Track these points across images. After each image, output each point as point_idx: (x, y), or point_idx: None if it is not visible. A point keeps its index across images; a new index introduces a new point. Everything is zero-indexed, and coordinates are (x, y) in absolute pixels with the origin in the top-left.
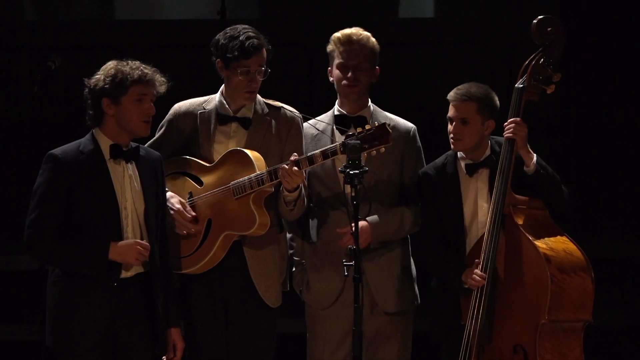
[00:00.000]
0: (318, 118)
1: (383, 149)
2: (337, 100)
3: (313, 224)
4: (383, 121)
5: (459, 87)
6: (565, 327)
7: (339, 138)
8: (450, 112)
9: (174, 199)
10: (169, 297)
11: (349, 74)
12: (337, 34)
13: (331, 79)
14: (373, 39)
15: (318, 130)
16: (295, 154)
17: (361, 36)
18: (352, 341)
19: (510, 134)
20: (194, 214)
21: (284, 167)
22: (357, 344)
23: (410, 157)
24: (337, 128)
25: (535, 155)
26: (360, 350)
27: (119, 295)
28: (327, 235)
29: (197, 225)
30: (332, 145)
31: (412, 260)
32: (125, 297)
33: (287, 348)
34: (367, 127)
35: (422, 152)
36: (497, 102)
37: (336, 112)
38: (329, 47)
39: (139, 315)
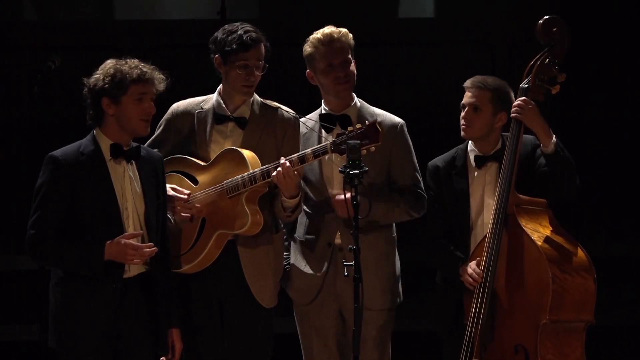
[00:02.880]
0: (307, 116)
1: (373, 148)
2: (322, 100)
3: (301, 220)
4: (370, 117)
5: (477, 75)
6: (566, 327)
7: (326, 136)
8: (464, 99)
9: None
10: (170, 298)
11: (340, 72)
12: (317, 35)
13: (313, 81)
14: (350, 34)
15: (307, 128)
16: (283, 157)
17: (341, 33)
18: (352, 341)
19: (515, 114)
20: (187, 192)
21: (279, 170)
22: (356, 344)
23: (398, 152)
24: (321, 125)
25: (554, 135)
26: (359, 351)
27: (121, 295)
28: (311, 232)
29: (192, 223)
30: (322, 145)
31: (397, 258)
32: (128, 298)
33: (284, 348)
34: (358, 126)
35: (412, 146)
36: (513, 98)
37: (322, 111)
38: (308, 50)
39: (141, 316)
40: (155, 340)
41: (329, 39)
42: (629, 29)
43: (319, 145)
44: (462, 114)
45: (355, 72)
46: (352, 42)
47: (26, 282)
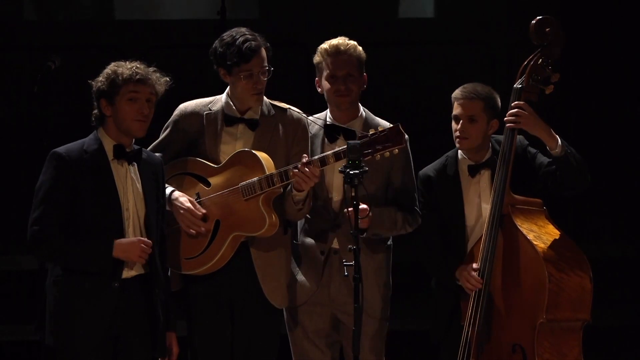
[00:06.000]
0: (316, 116)
1: (396, 150)
2: (327, 109)
3: (300, 227)
4: (375, 128)
5: (464, 86)
6: (563, 327)
7: (328, 146)
8: (457, 111)
9: (182, 198)
10: (168, 301)
11: (341, 85)
12: (324, 45)
13: (319, 89)
14: (359, 48)
15: (310, 132)
16: (305, 155)
17: (348, 46)
18: (352, 342)
19: (512, 123)
20: (204, 211)
21: (300, 169)
22: (356, 344)
23: (399, 166)
24: (326, 134)
25: (558, 137)
26: (359, 351)
27: (119, 296)
28: (308, 235)
29: (206, 225)
30: (344, 147)
31: (390, 269)
32: (126, 299)
33: (286, 348)
34: (380, 128)
35: (412, 161)
36: (500, 103)
37: (328, 121)
38: (316, 59)
39: (139, 317)
40: (153, 343)
41: (334, 51)
42: (629, 29)
43: (340, 148)
44: (457, 126)
45: (362, 87)
46: (361, 55)
47: (26, 282)
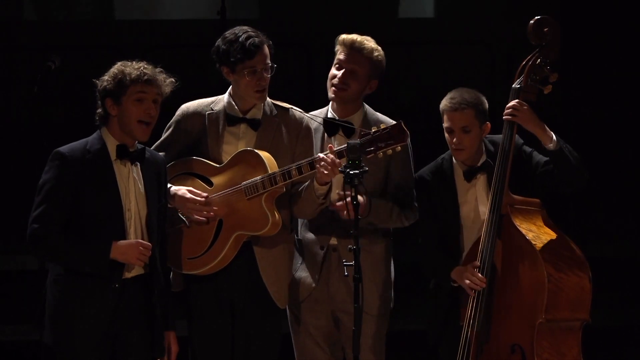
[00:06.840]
0: (314, 113)
1: (399, 147)
2: (330, 102)
3: (301, 222)
4: (374, 124)
5: (451, 96)
6: (562, 326)
7: (328, 140)
8: (449, 123)
9: (181, 191)
10: (167, 300)
11: (340, 75)
12: (344, 35)
13: None
14: (378, 53)
15: (312, 125)
16: (330, 145)
17: (364, 45)
18: (352, 341)
19: (509, 116)
20: (205, 194)
21: (325, 158)
22: (356, 344)
23: (399, 163)
24: (325, 129)
25: (553, 133)
26: (359, 350)
27: (119, 296)
28: (307, 231)
29: (208, 225)
30: (345, 146)
31: (392, 264)
32: (126, 298)
33: (287, 348)
34: (383, 126)
35: (411, 160)
36: (487, 105)
37: (328, 115)
38: (335, 48)
39: (138, 317)
40: (152, 342)
41: (349, 43)
42: (629, 29)
43: (342, 146)
44: (453, 139)
45: (365, 90)
46: (375, 60)
47: (26, 282)
